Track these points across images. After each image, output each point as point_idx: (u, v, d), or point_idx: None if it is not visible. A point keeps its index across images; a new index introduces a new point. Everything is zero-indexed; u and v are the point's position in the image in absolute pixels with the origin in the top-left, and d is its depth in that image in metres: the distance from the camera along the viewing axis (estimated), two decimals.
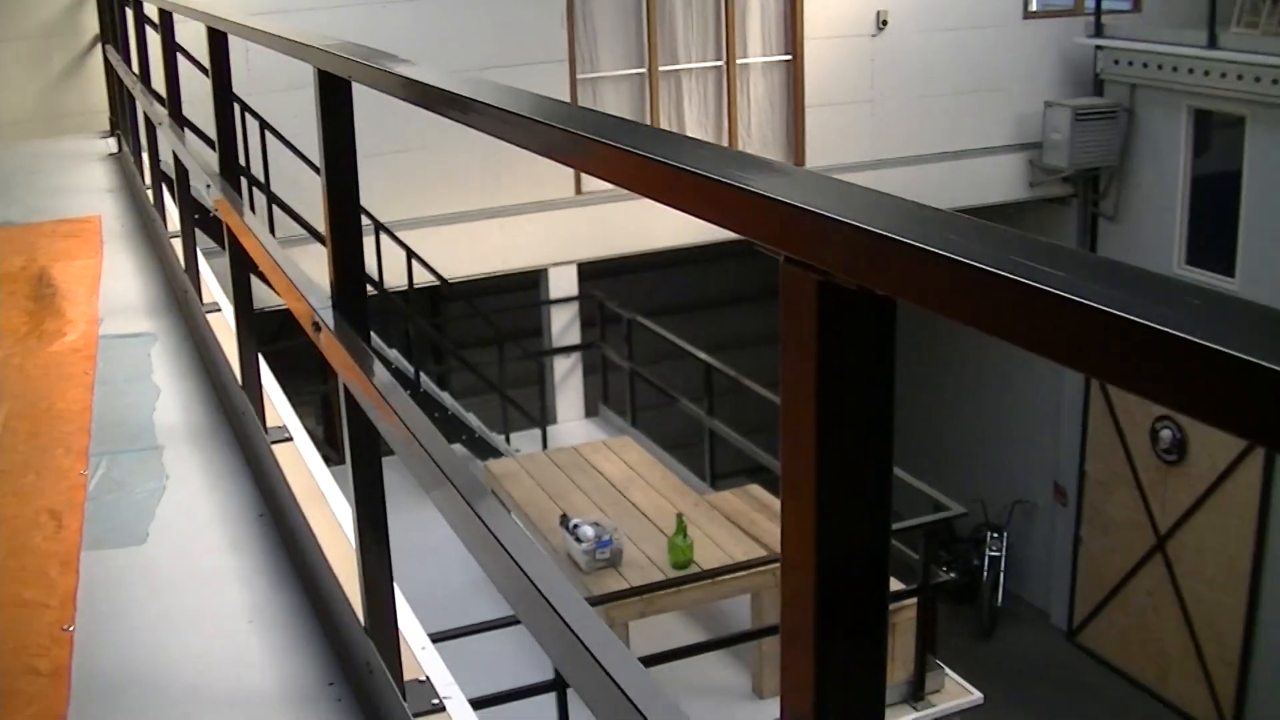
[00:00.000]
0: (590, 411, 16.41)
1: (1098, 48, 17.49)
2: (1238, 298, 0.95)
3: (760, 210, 1.40)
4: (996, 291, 1.10)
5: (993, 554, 19.25)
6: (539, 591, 2.08)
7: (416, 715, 3.28)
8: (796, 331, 1.36)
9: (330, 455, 5.07)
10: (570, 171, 15.15)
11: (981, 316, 1.13)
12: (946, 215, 1.26)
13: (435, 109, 2.52)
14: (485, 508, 2.38)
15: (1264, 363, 0.84)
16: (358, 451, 3.34)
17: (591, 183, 15.40)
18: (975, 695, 10.76)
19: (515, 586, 2.17)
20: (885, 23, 16.48)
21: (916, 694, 10.53)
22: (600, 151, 1.79)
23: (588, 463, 12.51)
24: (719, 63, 15.88)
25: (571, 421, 16.08)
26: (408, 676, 3.42)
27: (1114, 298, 0.98)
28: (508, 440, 15.00)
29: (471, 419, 14.74)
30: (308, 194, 12.92)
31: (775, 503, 11.28)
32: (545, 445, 14.69)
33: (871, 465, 1.41)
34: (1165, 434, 16.99)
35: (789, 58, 16.20)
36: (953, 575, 17.52)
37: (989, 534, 19.34)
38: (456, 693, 3.48)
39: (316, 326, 3.37)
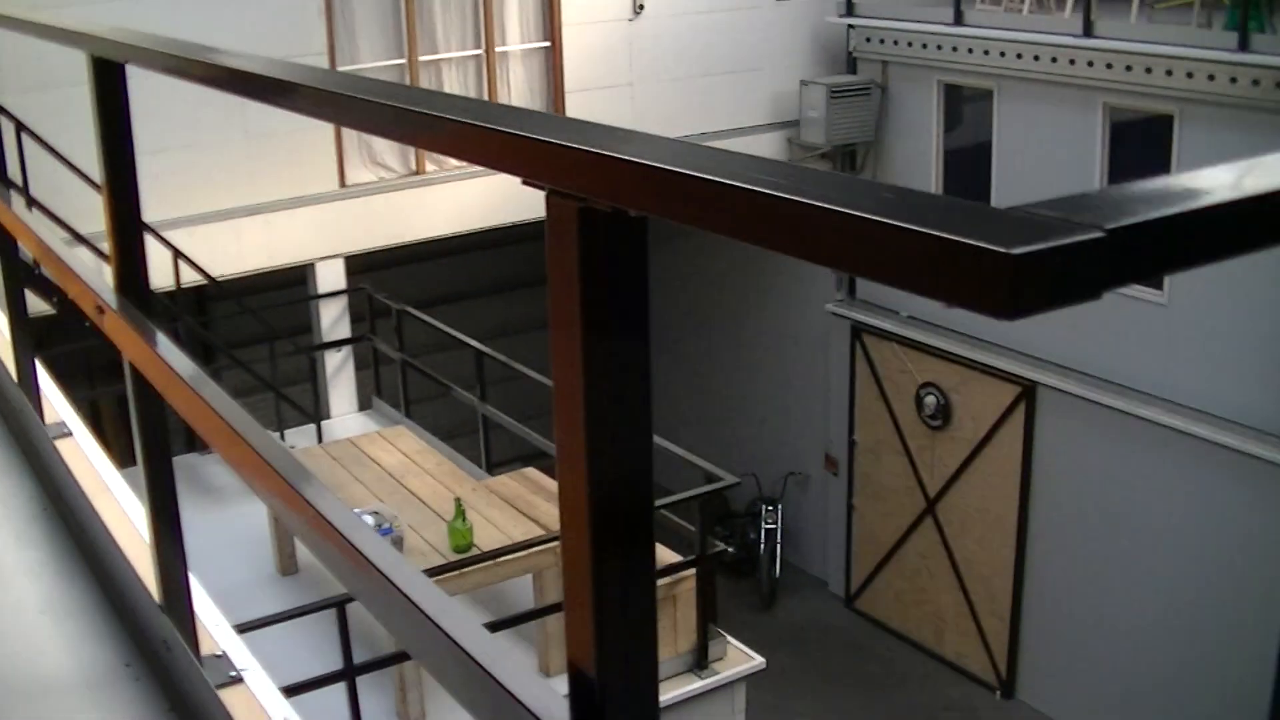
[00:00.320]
0: (364, 405, 16.37)
1: (850, 26, 17.94)
2: (921, 191, 1.14)
3: (529, 150, 1.57)
4: (728, 199, 1.27)
5: (768, 526, 19.61)
6: (376, 569, 2.09)
7: (218, 687, 3.33)
8: (561, 257, 1.52)
9: None
10: (334, 164, 15.10)
11: (717, 222, 1.31)
12: (684, 144, 1.44)
13: (206, 83, 2.60)
14: (309, 488, 2.36)
15: (941, 234, 1.04)
16: (147, 430, 3.38)
17: (355, 175, 15.37)
18: (758, 660, 11.02)
19: (350, 565, 2.18)
20: (642, 7, 16.68)
21: (700, 662, 10.76)
22: (381, 112, 1.90)
23: (364, 454, 12.54)
24: (478, 51, 15.94)
25: (346, 415, 16.03)
26: (205, 652, 3.47)
27: (826, 195, 1.16)
28: (283, 437, 14.92)
29: None
30: (73, 199, 12.67)
31: (552, 484, 11.40)
32: (320, 439, 14.64)
33: (633, 369, 1.57)
34: (930, 400, 17.50)
35: (548, 44, 16.32)
36: (730, 550, 17.88)
37: (764, 507, 19.69)
38: (255, 665, 3.55)
39: (100, 310, 3.39)
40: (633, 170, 1.39)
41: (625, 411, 1.55)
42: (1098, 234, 0.98)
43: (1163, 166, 14.47)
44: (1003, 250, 0.97)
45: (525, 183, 1.56)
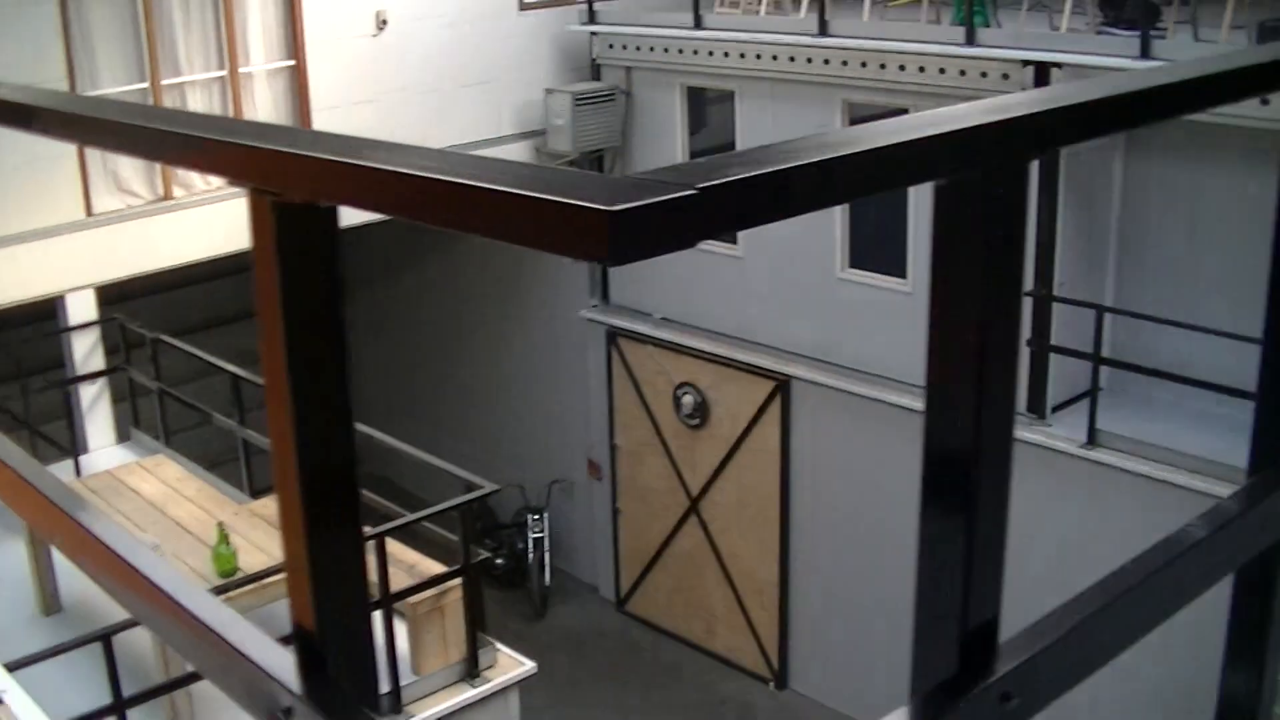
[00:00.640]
0: (123, 437, 16.10)
1: (592, 34, 18.20)
2: (552, 167, 1.31)
3: (228, 153, 1.70)
4: (398, 185, 1.42)
5: (536, 535, 19.78)
6: (160, 589, 2.10)
7: None
8: (263, 250, 1.65)
9: None
10: (79, 193, 14.84)
11: (393, 205, 1.48)
12: (365, 140, 1.58)
13: None
14: (85, 514, 2.35)
15: (559, 198, 1.19)
16: None
17: (102, 203, 15.11)
18: (528, 665, 11.16)
19: (131, 587, 2.19)
20: (385, 22, 16.72)
21: (471, 671, 10.85)
22: (94, 126, 2.00)
23: (123, 485, 12.42)
24: (222, 73, 15.82)
25: (104, 449, 15.75)
26: None
27: (474, 174, 1.32)
28: None
29: None
30: None
31: None
32: (79, 474, 14.39)
33: (332, 348, 1.70)
34: (687, 400, 17.79)
35: (292, 63, 16.27)
36: (500, 560, 18.02)
37: (530, 516, 19.85)
38: (14, 686, 3.58)
39: None
40: (318, 165, 1.52)
41: (326, 388, 1.67)
42: (690, 192, 1.17)
43: None
44: (603, 208, 1.14)
45: (230, 183, 1.68)
